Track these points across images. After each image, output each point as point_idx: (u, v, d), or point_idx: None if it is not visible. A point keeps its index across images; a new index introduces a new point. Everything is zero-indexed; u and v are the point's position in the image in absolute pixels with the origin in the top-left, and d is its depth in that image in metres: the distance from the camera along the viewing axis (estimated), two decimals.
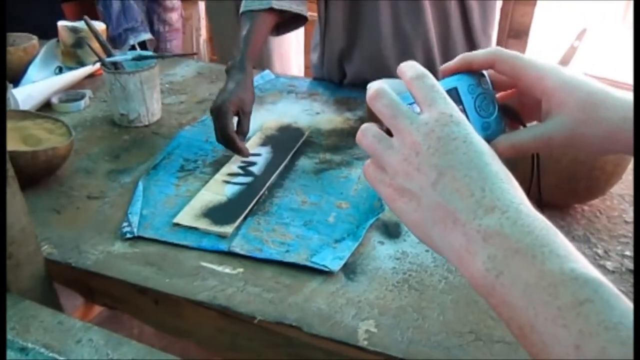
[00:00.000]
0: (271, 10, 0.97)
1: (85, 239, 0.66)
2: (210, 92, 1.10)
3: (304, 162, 0.85)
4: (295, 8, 0.99)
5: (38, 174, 0.74)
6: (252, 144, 0.88)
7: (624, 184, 0.76)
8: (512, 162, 0.43)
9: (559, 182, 0.68)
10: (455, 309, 0.57)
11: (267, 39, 1.70)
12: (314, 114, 1.01)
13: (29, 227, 0.57)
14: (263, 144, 0.88)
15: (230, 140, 0.81)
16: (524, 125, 0.46)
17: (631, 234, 0.69)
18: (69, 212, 0.72)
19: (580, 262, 0.31)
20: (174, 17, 2.05)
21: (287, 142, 0.89)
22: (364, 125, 0.40)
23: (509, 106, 0.46)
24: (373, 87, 0.40)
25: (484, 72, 0.45)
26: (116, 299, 0.65)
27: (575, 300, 0.29)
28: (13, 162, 0.53)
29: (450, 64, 0.46)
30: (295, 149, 0.87)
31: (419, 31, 1.02)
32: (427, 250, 0.65)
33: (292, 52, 1.80)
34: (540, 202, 0.44)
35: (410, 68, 0.40)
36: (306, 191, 0.77)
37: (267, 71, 1.20)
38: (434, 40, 1.04)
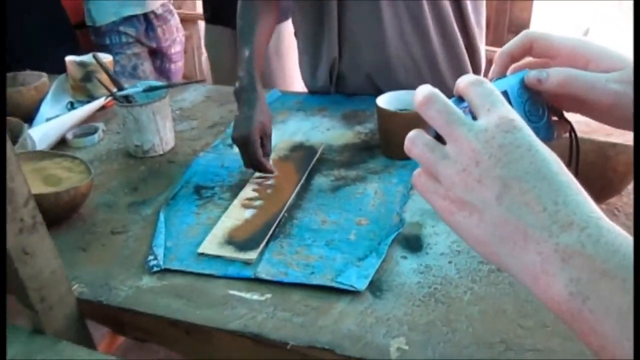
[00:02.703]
0: None
1: (113, 275, 0.67)
2: (221, 116, 1.11)
3: (320, 181, 0.86)
4: None
5: (62, 214, 0.76)
6: None
7: None
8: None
9: None
10: (483, 320, 0.58)
11: (270, 57, 1.71)
12: (324, 130, 1.02)
13: (59, 270, 0.58)
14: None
15: (261, 165, 0.84)
16: (568, 121, 0.44)
17: None
18: (95, 249, 0.73)
19: None
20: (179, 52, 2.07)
21: (302, 162, 0.90)
22: (412, 133, 0.37)
23: (551, 105, 0.44)
24: (422, 92, 0.37)
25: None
26: (147, 332, 0.66)
27: None
28: (37, 204, 0.54)
29: (496, 68, 0.44)
30: (309, 168, 0.88)
31: (420, 33, 1.04)
32: (450, 262, 0.66)
33: (295, 68, 1.84)
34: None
35: (467, 76, 0.38)
36: (325, 210, 0.78)
37: (274, 89, 1.22)
38: (435, 41, 1.05)
